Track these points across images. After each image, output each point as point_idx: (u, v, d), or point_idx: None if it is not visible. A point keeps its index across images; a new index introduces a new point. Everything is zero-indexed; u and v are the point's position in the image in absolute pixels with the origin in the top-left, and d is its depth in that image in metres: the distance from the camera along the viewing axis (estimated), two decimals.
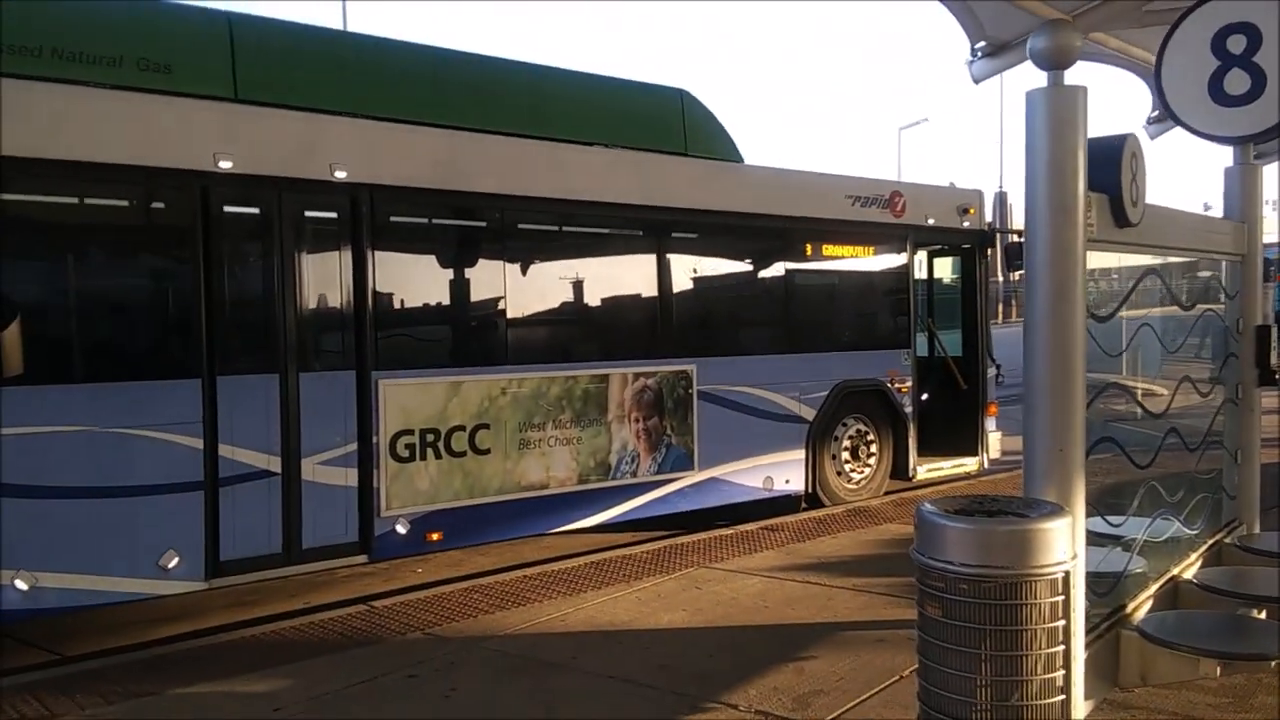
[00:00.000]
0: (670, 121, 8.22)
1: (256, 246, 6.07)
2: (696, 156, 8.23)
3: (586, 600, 5.96)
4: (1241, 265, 5.37)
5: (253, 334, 6.05)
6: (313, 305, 6.21)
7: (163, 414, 5.57)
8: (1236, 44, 5.17)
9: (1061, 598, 3.01)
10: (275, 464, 5.94)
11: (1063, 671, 3.00)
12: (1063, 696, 2.99)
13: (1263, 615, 4.16)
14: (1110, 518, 4.05)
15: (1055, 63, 3.47)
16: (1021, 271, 10.84)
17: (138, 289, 5.88)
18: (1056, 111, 3.43)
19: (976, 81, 16.41)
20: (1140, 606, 4.09)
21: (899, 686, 4.46)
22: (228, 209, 5.92)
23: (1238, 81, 5.17)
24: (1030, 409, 3.47)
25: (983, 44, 14.87)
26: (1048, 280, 3.44)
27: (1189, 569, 4.66)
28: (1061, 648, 3.00)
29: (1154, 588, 4.27)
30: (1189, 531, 4.81)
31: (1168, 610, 4.26)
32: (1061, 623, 3.00)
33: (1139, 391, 4.27)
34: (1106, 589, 3.87)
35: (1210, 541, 5.01)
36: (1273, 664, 3.89)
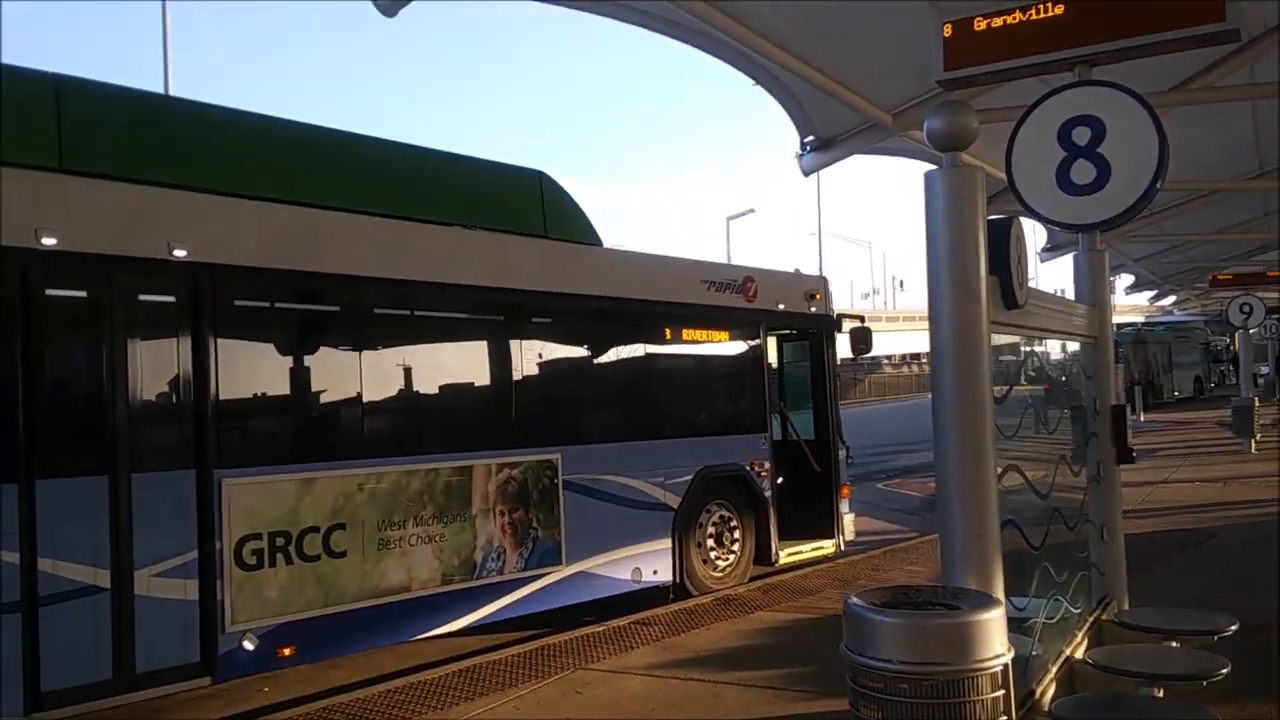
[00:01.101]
0: (529, 203, 8.07)
1: (84, 332, 5.48)
2: (556, 239, 8.09)
3: (459, 715, 5.51)
4: (1095, 347, 5.60)
5: (78, 430, 5.42)
6: (147, 397, 5.62)
7: None
8: (1081, 135, 5.46)
9: (1002, 692, 2.90)
10: (104, 578, 5.26)
11: None
12: None
13: (1160, 693, 4.19)
14: (1014, 600, 4.02)
15: (953, 143, 3.51)
16: (868, 354, 11.14)
17: None
18: (956, 191, 3.46)
19: (806, 174, 16.94)
20: (1046, 690, 4.06)
21: None
22: (50, 290, 5.33)
23: (1083, 171, 5.47)
24: (944, 496, 3.41)
25: (811, 138, 15.43)
26: (953, 362, 3.42)
27: (1078, 648, 4.69)
28: None
29: (1054, 670, 4.26)
30: (1074, 610, 4.86)
31: (1070, 694, 4.25)
32: (1004, 719, 2.89)
33: (1028, 472, 4.30)
34: (1018, 675, 3.81)
35: (1090, 620, 5.08)
36: None
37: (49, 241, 5.22)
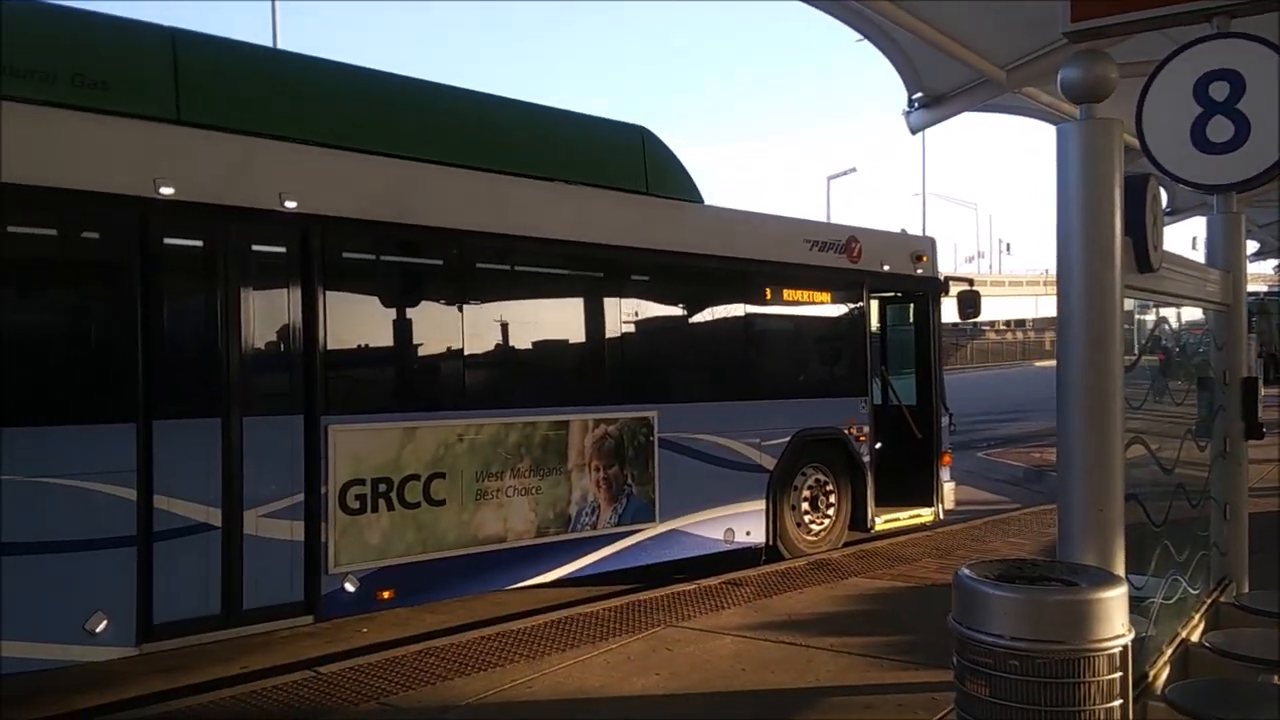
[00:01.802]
0: (631, 159, 7.98)
1: (198, 279, 5.63)
2: (657, 196, 8.00)
3: (551, 664, 5.56)
4: (1227, 315, 5.29)
5: (192, 375, 5.58)
6: (258, 344, 5.76)
7: (92, 462, 5.05)
8: (1219, 91, 5.10)
9: (1119, 674, 2.76)
10: (215, 517, 5.44)
11: None
12: None
13: (1279, 680, 3.97)
14: (1132, 578, 3.84)
15: (1090, 94, 3.30)
16: (975, 318, 10.83)
17: (67, 324, 5.39)
18: (1092, 145, 3.26)
19: (914, 131, 16.45)
20: (1160, 673, 3.88)
21: None
22: (168, 239, 5.47)
23: (1221, 129, 5.11)
24: (1066, 466, 3.25)
25: (920, 95, 14.94)
26: (1084, 327, 3.24)
27: (1194, 631, 4.48)
28: None
29: (1169, 652, 4.06)
30: (1193, 592, 4.64)
31: (1187, 678, 4.05)
32: (1119, 702, 2.75)
33: (1154, 445, 4.09)
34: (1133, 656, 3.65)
35: (1209, 601, 4.85)
36: None
37: (166, 191, 5.36)
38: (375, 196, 6.26)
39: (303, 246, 5.89)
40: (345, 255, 6.24)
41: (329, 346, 5.96)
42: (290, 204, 5.82)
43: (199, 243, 5.62)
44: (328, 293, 5.97)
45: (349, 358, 6.23)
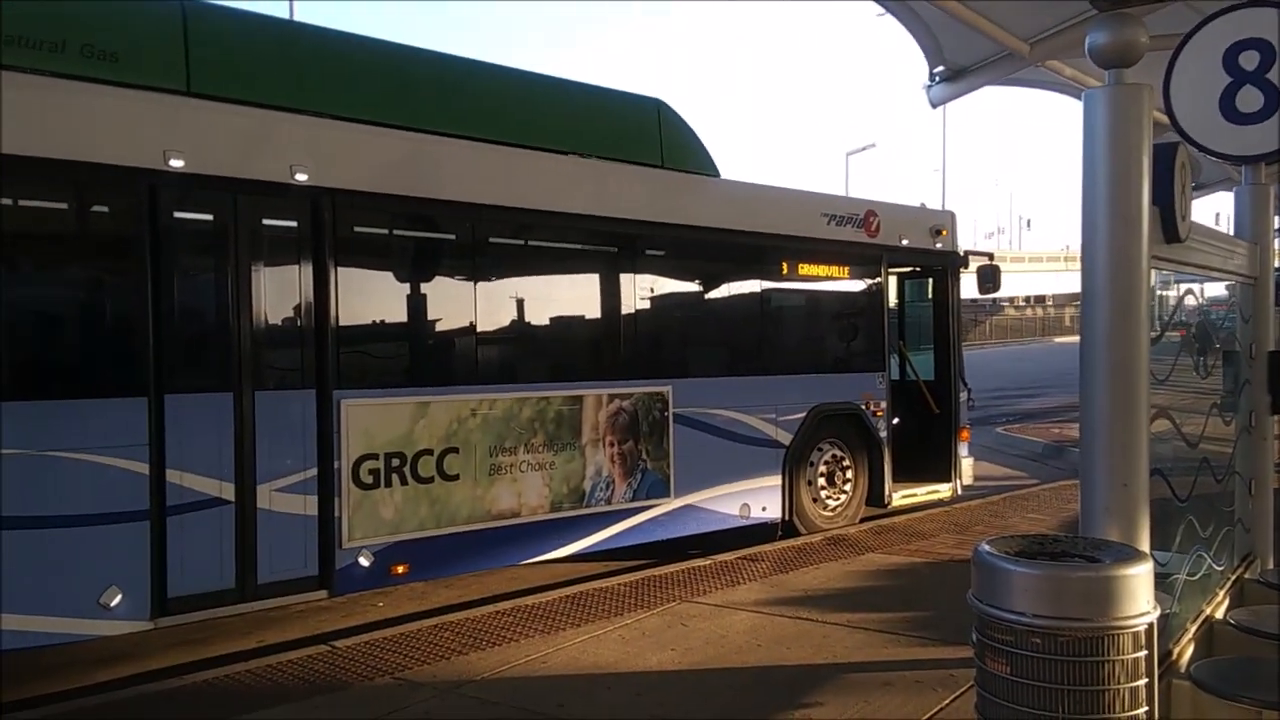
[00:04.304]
0: (647, 132, 7.89)
1: (209, 252, 5.58)
2: (673, 169, 7.90)
3: (566, 639, 5.54)
4: (1254, 288, 5.18)
5: (204, 348, 5.56)
6: (270, 318, 5.72)
7: (104, 436, 5.04)
8: (1249, 60, 4.97)
9: (1145, 653, 2.69)
10: (228, 491, 5.44)
11: None
12: None
13: None
14: (1156, 554, 3.77)
15: (1118, 59, 3.19)
16: (995, 293, 10.70)
17: (78, 298, 5.36)
18: (1120, 112, 3.14)
19: (935, 105, 16.24)
20: (1184, 651, 3.81)
21: None
22: (179, 212, 5.43)
23: (1250, 99, 4.99)
24: (1090, 440, 3.16)
25: (941, 69, 14.73)
26: (1109, 297, 3.14)
27: (1219, 608, 4.40)
28: (1145, 710, 2.68)
29: (1193, 630, 4.00)
30: (1217, 568, 4.56)
31: (1213, 656, 3.99)
32: (1144, 681, 2.68)
33: (1179, 420, 4.00)
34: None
35: (1233, 578, 4.77)
36: None
37: (177, 163, 5.32)
38: (388, 169, 6.20)
39: (314, 220, 5.85)
40: (357, 229, 6.19)
41: (341, 321, 5.92)
42: (301, 176, 5.77)
43: (209, 216, 5.58)
44: (340, 267, 5.93)
45: (361, 332, 6.19)
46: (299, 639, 5.93)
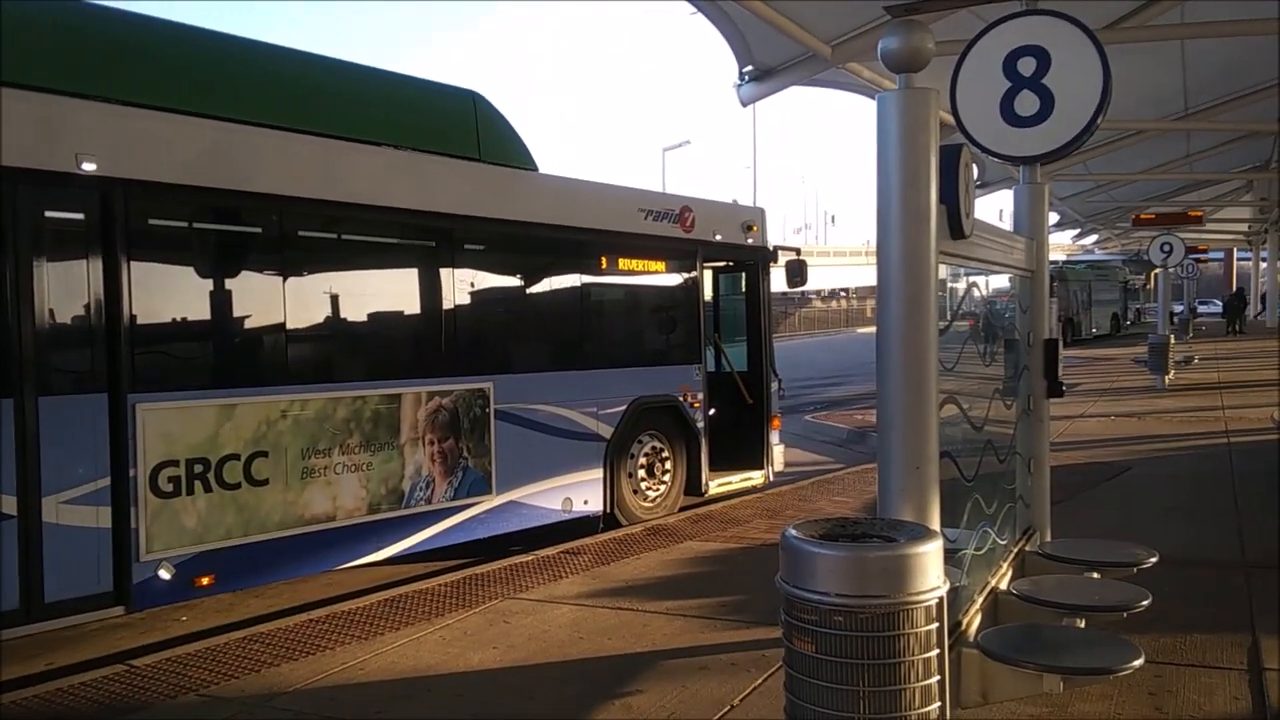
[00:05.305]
0: (463, 125, 7.78)
1: None
2: (491, 163, 7.83)
3: (385, 644, 5.42)
4: (1031, 280, 5.61)
5: None
6: (55, 317, 5.31)
7: None
8: (1027, 66, 5.38)
9: (936, 625, 2.89)
10: (10, 505, 5.01)
11: (938, 703, 2.88)
12: None
13: (1082, 623, 4.28)
14: (946, 531, 4.03)
15: (908, 64, 3.39)
16: (803, 286, 11.14)
17: None
18: (909, 114, 3.34)
19: (744, 104, 16.80)
20: (972, 621, 4.10)
21: (731, 717, 4.28)
22: None
23: (1028, 103, 5.40)
24: (885, 426, 3.36)
25: (750, 68, 15.28)
26: (901, 290, 3.34)
27: (1003, 579, 4.76)
28: (937, 678, 2.87)
29: (980, 601, 4.31)
30: (1001, 542, 4.92)
31: (999, 624, 4.31)
32: (936, 652, 2.88)
33: (966, 404, 4.29)
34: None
35: (1015, 550, 5.17)
36: (1110, 676, 3.99)
37: None
38: (188, 159, 5.86)
39: (104, 212, 5.46)
40: (153, 222, 5.82)
41: (137, 320, 5.56)
42: (88, 166, 5.38)
43: None
44: (134, 262, 5.56)
45: (159, 331, 5.83)
46: (94, 659, 5.54)
